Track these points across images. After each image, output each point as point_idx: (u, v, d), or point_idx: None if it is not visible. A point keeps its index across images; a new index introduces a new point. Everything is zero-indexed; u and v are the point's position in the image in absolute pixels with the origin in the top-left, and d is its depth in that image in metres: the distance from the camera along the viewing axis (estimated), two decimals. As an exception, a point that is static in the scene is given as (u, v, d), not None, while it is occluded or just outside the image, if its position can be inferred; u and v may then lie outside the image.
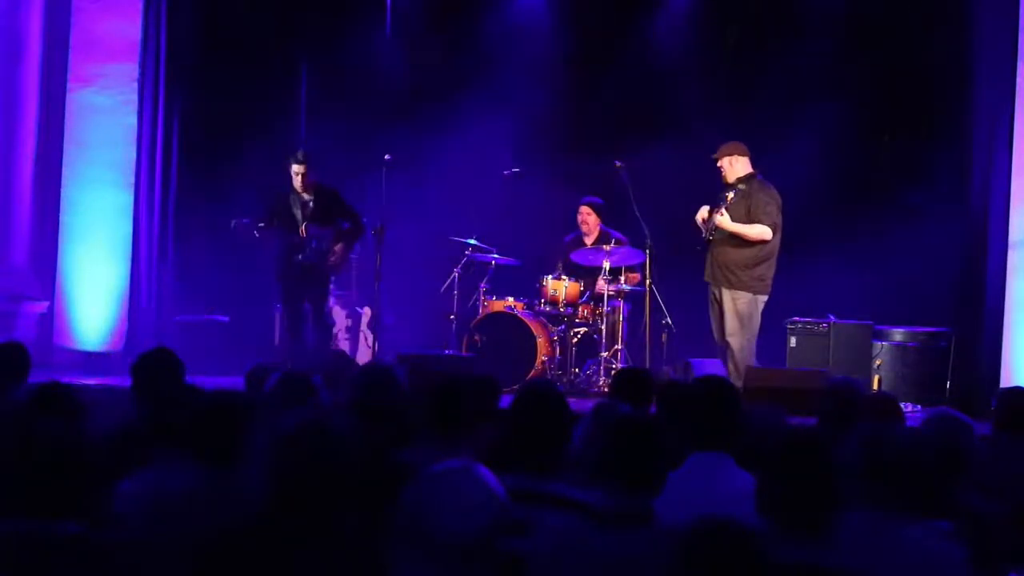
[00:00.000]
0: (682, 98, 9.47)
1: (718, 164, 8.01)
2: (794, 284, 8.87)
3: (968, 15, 8.64)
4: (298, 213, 8.43)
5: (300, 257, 8.42)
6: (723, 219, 7.82)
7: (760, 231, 7.84)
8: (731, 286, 7.90)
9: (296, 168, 8.40)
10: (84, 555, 2.75)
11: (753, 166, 8.03)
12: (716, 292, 8.03)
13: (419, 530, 2.36)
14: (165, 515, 3.12)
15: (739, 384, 7.10)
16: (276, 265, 8.59)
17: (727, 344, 7.91)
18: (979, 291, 8.52)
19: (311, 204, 8.44)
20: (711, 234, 7.95)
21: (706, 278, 8.12)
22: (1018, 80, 8.29)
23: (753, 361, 7.87)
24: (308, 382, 4.16)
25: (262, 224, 8.35)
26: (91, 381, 7.90)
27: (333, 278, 8.87)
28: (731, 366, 7.82)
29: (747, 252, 7.88)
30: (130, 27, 9.36)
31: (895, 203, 9.10)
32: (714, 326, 8.10)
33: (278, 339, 9.64)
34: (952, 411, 4.14)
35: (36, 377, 5.07)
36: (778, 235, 7.94)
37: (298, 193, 8.46)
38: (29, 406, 3.90)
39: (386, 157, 8.56)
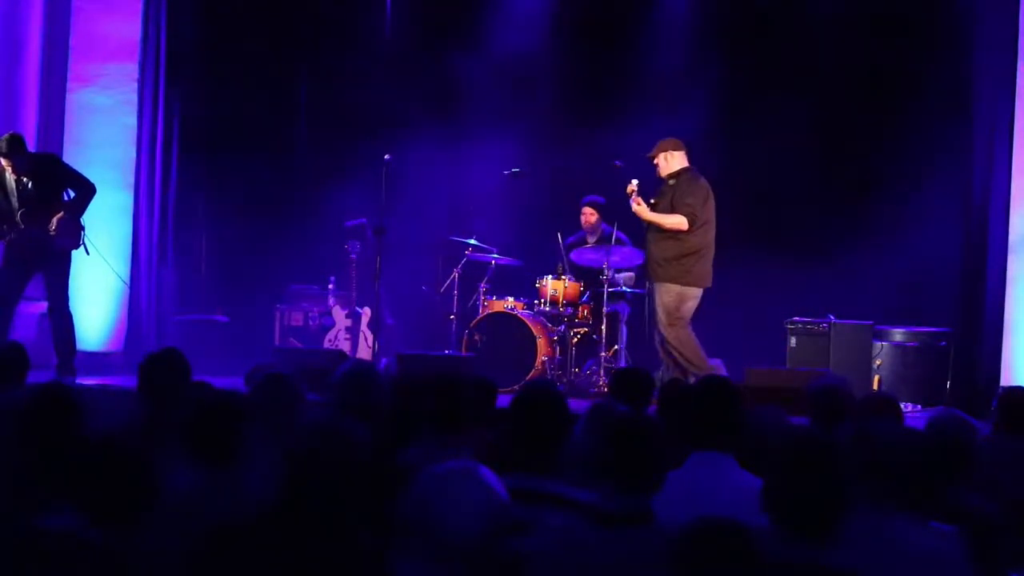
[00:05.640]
0: (683, 97, 9.46)
1: (654, 161, 7.99)
2: (794, 284, 8.87)
3: (968, 15, 8.63)
4: (14, 200, 7.67)
5: (21, 245, 7.71)
6: (640, 208, 7.84)
7: (675, 221, 7.79)
8: (658, 278, 7.92)
9: (3, 162, 7.63)
10: (84, 554, 2.74)
11: (689, 161, 8.01)
12: (648, 285, 8.10)
13: (421, 531, 2.36)
14: (166, 514, 3.12)
15: (683, 378, 7.22)
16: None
17: (662, 336, 7.88)
18: (979, 291, 8.52)
19: (29, 186, 7.67)
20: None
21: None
22: (1018, 80, 8.29)
23: (700, 351, 7.84)
24: (291, 383, 4.14)
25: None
26: (91, 381, 7.89)
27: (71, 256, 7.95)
28: (671, 359, 7.79)
29: (671, 244, 7.85)
30: (130, 27, 9.37)
31: (895, 203, 9.10)
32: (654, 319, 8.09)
33: (278, 339, 9.67)
34: (955, 411, 4.13)
35: (36, 377, 5.08)
36: (707, 229, 7.87)
37: (16, 179, 7.67)
38: (29, 406, 3.89)
39: (386, 157, 8.56)
